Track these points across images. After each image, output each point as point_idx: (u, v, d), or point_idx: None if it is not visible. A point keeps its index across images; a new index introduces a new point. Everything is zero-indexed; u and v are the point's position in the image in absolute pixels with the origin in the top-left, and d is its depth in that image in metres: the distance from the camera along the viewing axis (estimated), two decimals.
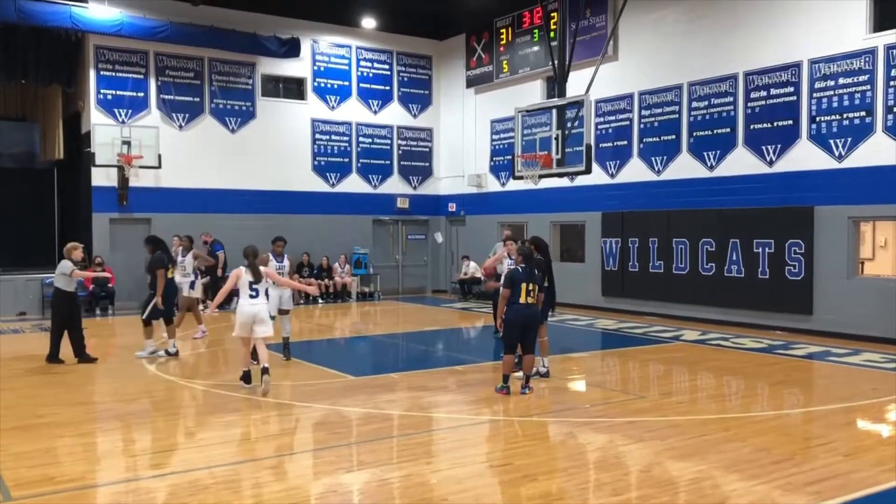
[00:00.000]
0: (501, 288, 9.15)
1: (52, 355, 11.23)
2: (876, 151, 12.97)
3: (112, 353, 13.24)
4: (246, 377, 9.31)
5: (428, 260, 23.71)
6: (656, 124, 16.83)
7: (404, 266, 23.18)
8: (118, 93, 18.84)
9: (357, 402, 8.72)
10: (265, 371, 8.94)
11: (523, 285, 8.87)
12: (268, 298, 9.48)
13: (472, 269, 20.55)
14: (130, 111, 18.92)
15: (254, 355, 9.42)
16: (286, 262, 11.54)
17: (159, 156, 18.69)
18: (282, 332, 11.23)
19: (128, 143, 18.25)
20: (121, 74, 18.87)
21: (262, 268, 9.41)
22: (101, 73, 18.64)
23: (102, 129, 18.24)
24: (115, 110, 18.77)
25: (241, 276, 9.19)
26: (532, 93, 19.66)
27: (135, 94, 19.03)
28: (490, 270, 12.87)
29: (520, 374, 9.26)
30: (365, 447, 7.01)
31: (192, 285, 13.53)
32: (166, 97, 19.39)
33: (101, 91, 18.67)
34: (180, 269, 13.22)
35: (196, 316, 13.77)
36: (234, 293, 9.85)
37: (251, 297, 9.14)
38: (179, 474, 6.17)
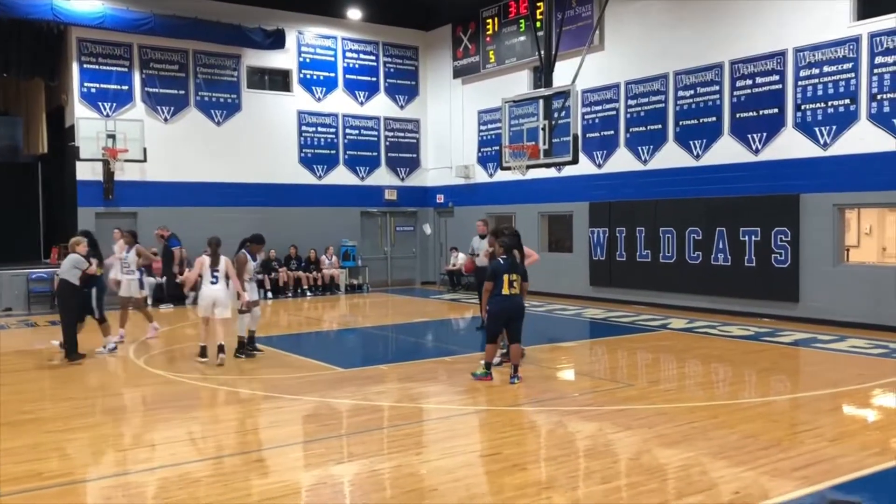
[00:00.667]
0: (485, 281, 9.23)
1: (72, 351, 10.78)
2: (860, 139, 13.05)
3: (99, 347, 13.17)
4: (202, 352, 10.59)
5: (416, 252, 23.70)
6: (643, 114, 16.86)
7: (393, 258, 23.17)
8: (102, 86, 18.69)
9: (346, 394, 8.72)
10: (220, 349, 10.30)
11: (505, 277, 8.98)
12: (228, 286, 10.59)
13: (460, 260, 20.53)
14: (115, 104, 18.78)
15: (244, 346, 10.78)
16: (257, 259, 11.50)
17: (144, 149, 18.58)
18: (238, 331, 11.00)
19: (112, 137, 18.12)
20: (104, 67, 18.72)
21: (223, 259, 10.62)
22: (85, 66, 18.48)
23: (86, 123, 18.10)
24: (99, 104, 18.63)
25: (203, 263, 10.66)
26: (519, 83, 19.65)
27: (119, 87, 18.88)
28: (470, 267, 12.93)
29: (497, 359, 9.64)
30: (355, 438, 7.01)
31: (140, 284, 12.69)
32: (151, 90, 19.25)
33: (85, 84, 18.52)
34: (123, 266, 12.53)
35: (145, 314, 13.09)
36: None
37: (211, 282, 10.55)
38: (169, 468, 6.15)
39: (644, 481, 5.62)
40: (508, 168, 14.49)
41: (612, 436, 6.88)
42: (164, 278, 17.74)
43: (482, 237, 12.62)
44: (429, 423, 7.67)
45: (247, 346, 11.00)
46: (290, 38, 20.92)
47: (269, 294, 19.41)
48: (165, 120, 19.43)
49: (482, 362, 9.37)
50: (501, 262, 9.08)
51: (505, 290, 8.97)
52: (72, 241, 11.04)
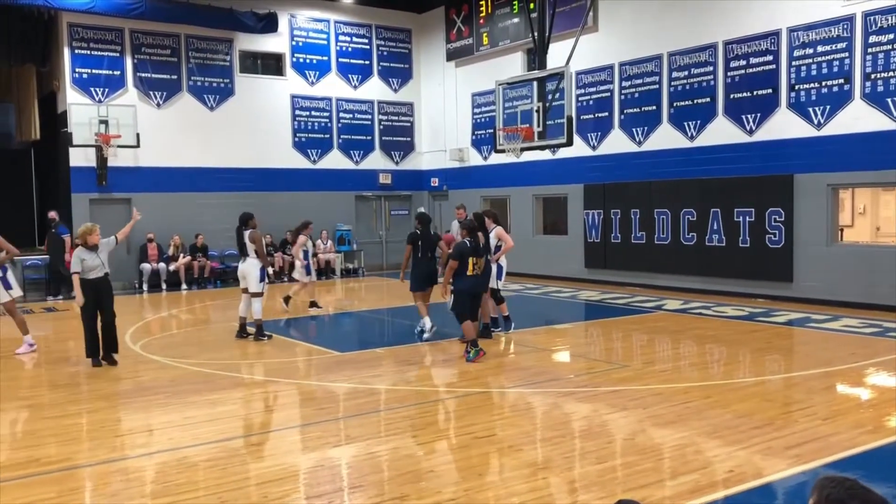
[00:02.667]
0: (449, 260, 9.71)
1: (92, 351, 9.65)
2: (854, 119, 13.05)
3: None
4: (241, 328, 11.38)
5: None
6: (637, 95, 16.83)
7: (388, 242, 23.15)
8: (94, 71, 18.58)
9: (343, 378, 8.76)
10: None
11: (470, 259, 9.45)
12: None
13: None
14: (107, 90, 18.68)
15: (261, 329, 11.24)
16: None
17: (137, 135, 18.49)
18: (255, 314, 11.27)
19: (105, 123, 18.04)
20: (96, 52, 18.59)
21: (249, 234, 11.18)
22: (76, 51, 18.36)
23: (79, 109, 18.00)
24: (92, 89, 18.52)
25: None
26: (513, 65, 19.58)
27: (111, 72, 18.77)
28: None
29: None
30: (352, 421, 7.05)
31: (5, 283, 10.67)
32: (143, 75, 19.14)
33: (77, 70, 18.40)
34: None
35: (18, 323, 10.83)
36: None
37: (242, 255, 11.32)
38: (167, 452, 6.19)
39: (639, 461, 5.66)
40: (503, 151, 14.45)
41: (607, 416, 6.93)
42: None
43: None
44: (425, 405, 7.71)
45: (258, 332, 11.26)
46: (283, 22, 20.79)
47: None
48: (158, 105, 19.34)
49: (468, 343, 9.57)
50: (468, 243, 9.55)
51: (470, 271, 9.51)
52: (81, 231, 9.70)
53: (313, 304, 14.42)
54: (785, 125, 14.09)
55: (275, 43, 20.87)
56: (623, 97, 17.15)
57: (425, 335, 10.99)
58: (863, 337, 10.65)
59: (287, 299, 14.17)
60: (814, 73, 13.62)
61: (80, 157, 18.36)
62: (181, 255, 18.86)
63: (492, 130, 16.54)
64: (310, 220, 14.99)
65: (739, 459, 5.65)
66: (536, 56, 14.25)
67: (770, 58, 14.26)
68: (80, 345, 11.64)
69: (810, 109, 13.70)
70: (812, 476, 5.33)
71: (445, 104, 22.29)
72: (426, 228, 11.28)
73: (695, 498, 4.92)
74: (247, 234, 11.15)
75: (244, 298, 11.31)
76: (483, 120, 20.87)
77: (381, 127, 22.78)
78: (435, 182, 22.94)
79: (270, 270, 13.46)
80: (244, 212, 11.62)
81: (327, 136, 21.84)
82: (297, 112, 21.33)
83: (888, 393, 7.85)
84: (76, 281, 9.53)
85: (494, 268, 10.93)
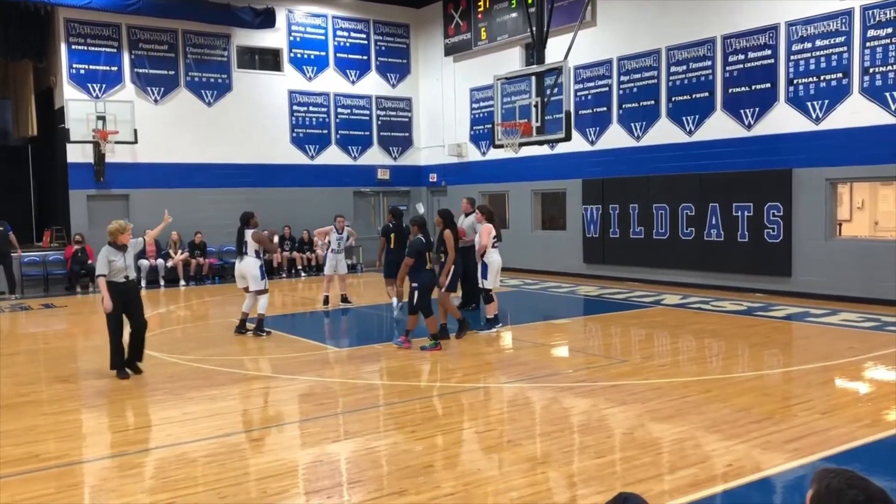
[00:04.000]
0: (407, 257, 9.96)
1: (117, 362, 8.78)
2: (853, 113, 13.04)
3: (95, 330, 13.19)
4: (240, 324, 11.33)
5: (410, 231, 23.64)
6: (635, 90, 16.81)
7: None
8: (91, 67, 18.54)
9: (341, 374, 8.77)
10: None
11: (428, 254, 9.80)
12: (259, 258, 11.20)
13: None
14: (104, 86, 18.64)
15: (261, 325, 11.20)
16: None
17: (135, 131, 18.47)
18: (259, 309, 11.22)
19: (102, 119, 18.01)
20: (93, 48, 18.56)
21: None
22: (73, 47, 18.32)
23: (76, 105, 17.97)
24: (89, 85, 18.48)
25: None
26: (511, 60, 19.56)
27: (108, 68, 18.73)
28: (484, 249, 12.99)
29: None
30: (351, 417, 7.05)
31: None
32: (140, 71, 19.11)
33: (74, 66, 18.36)
34: None
35: None
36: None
37: (240, 255, 11.20)
38: (166, 448, 6.19)
39: (638, 455, 5.67)
40: (501, 146, 14.44)
41: (605, 411, 6.93)
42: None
43: (467, 215, 12.88)
44: (423, 400, 7.71)
45: (259, 327, 11.19)
46: (280, 17, 20.76)
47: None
48: (156, 101, 19.31)
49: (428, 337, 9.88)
50: (423, 240, 9.81)
51: (428, 266, 9.85)
52: (113, 228, 8.76)
53: (344, 299, 14.47)
54: (783, 120, 14.08)
55: (272, 38, 20.84)
56: (621, 92, 17.13)
57: (395, 313, 12.68)
58: (861, 331, 10.66)
59: (326, 300, 14.29)
60: (812, 67, 13.61)
61: (77, 154, 18.33)
62: (179, 251, 18.85)
63: (490, 125, 16.51)
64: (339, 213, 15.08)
65: (738, 453, 5.65)
66: (535, 51, 14.24)
67: (768, 52, 14.24)
68: (77, 342, 11.70)
69: (809, 104, 13.69)
70: (811, 470, 5.33)
71: (444, 99, 22.27)
72: (399, 222, 12.60)
73: (694, 492, 4.92)
74: (248, 233, 11.08)
75: (248, 297, 11.27)
76: (481, 115, 20.85)
77: (380, 122, 22.75)
78: (433, 177, 22.92)
79: (278, 255, 13.37)
80: (245, 211, 11.58)
81: (325, 131, 21.82)
82: (295, 107, 21.30)
83: (886, 387, 7.86)
84: (103, 285, 8.54)
85: (479, 266, 11.20)
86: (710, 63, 15.27)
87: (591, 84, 17.82)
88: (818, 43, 13.50)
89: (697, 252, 15.49)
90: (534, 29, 14.13)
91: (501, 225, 15.19)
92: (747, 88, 14.65)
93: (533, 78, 13.83)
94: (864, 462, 5.49)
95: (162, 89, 19.38)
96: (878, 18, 12.66)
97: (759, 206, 14.37)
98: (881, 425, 6.37)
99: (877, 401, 7.23)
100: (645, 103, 16.61)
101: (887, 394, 7.49)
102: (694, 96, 15.61)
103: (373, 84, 22.59)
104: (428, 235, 10.15)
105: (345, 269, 14.42)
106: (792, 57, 13.91)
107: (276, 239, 14.42)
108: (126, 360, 8.76)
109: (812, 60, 13.61)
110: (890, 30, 12.51)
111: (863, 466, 5.28)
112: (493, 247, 11.14)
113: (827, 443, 5.84)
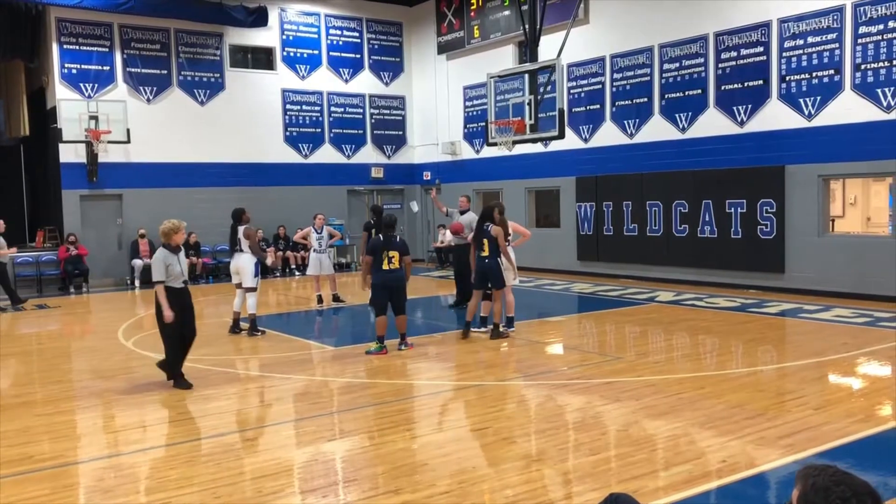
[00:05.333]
0: (363, 255, 10.01)
1: (175, 373, 8.16)
2: (845, 109, 13.09)
3: (89, 330, 13.17)
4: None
5: (404, 229, 23.62)
6: (628, 87, 16.83)
7: None
8: (83, 67, 18.48)
9: (337, 372, 8.77)
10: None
11: (384, 253, 9.50)
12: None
13: (448, 237, 20.53)
14: (96, 85, 18.59)
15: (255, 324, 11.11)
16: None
17: (128, 130, 18.42)
18: (249, 308, 11.20)
19: (95, 118, 17.95)
20: (85, 48, 18.49)
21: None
22: (65, 46, 18.25)
23: (68, 105, 17.91)
24: (81, 85, 18.42)
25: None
26: (504, 58, 19.56)
27: (100, 67, 18.67)
28: (457, 227, 12.94)
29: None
30: (346, 416, 7.05)
31: None
32: (133, 70, 19.05)
33: (66, 65, 18.30)
34: None
35: None
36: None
37: (234, 251, 11.26)
38: (160, 448, 6.18)
39: (632, 452, 5.68)
40: (495, 144, 14.45)
41: (600, 408, 6.94)
42: None
43: (463, 213, 12.92)
44: (419, 398, 7.72)
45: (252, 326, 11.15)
46: (273, 16, 20.72)
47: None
48: (148, 100, 19.25)
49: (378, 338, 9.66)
50: (380, 239, 9.64)
51: (385, 266, 9.54)
52: (168, 228, 8.10)
53: (336, 298, 14.41)
54: (776, 116, 14.12)
55: (265, 37, 20.80)
56: (614, 89, 17.15)
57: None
58: (854, 327, 10.71)
59: (320, 299, 14.25)
60: (804, 64, 13.65)
61: (70, 154, 18.27)
62: None
63: (484, 123, 16.52)
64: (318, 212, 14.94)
65: (732, 449, 5.67)
66: (528, 49, 14.24)
67: (761, 49, 14.28)
68: (71, 342, 11.65)
69: (801, 100, 13.73)
70: (804, 465, 5.35)
71: (437, 97, 22.26)
72: (380, 218, 12.23)
73: (688, 488, 4.93)
74: (241, 229, 11.11)
75: (238, 294, 11.29)
76: (475, 113, 20.85)
77: (373, 121, 22.73)
78: (427, 176, 22.91)
79: (269, 260, 13.17)
80: (236, 208, 11.60)
81: (319, 130, 21.79)
82: (288, 106, 21.26)
83: (879, 382, 7.90)
84: (162, 293, 7.86)
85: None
86: (702, 60, 15.30)
87: (585, 82, 17.83)
88: (810, 40, 13.53)
89: (691, 249, 15.53)
90: (527, 27, 14.13)
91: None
92: (740, 85, 14.69)
93: (526, 76, 13.84)
94: (857, 457, 5.51)
95: (154, 89, 19.33)
96: (869, 15, 12.70)
97: (753, 202, 14.41)
98: (874, 420, 6.39)
99: (870, 396, 7.26)
100: (638, 101, 16.63)
101: (880, 389, 7.53)
102: (687, 93, 15.64)
103: (366, 82, 22.56)
104: (390, 235, 9.67)
105: (330, 268, 14.29)
106: (784, 54, 13.94)
107: (261, 234, 14.33)
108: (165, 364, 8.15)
109: (804, 57, 13.64)
110: (881, 26, 12.55)
111: (855, 461, 5.31)
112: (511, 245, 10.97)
113: (820, 438, 5.86)
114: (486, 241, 10.30)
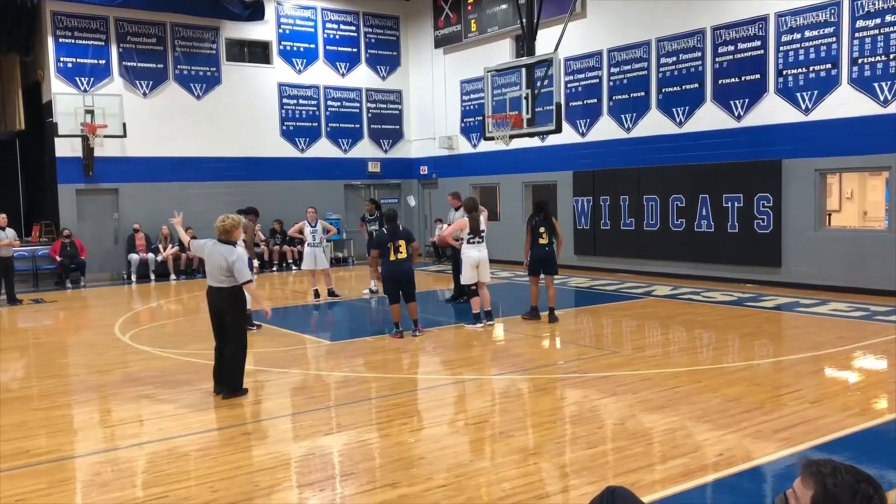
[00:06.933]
0: (371, 249, 10.51)
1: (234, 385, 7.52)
2: (842, 104, 13.09)
3: (85, 324, 13.15)
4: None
5: (401, 224, 23.60)
6: (625, 81, 16.82)
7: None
8: (78, 60, 18.41)
9: (334, 367, 8.76)
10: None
11: (390, 244, 9.98)
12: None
13: (445, 231, 20.51)
14: (92, 79, 18.52)
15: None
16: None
17: (124, 124, 18.37)
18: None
19: (91, 112, 17.90)
20: (80, 41, 18.42)
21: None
22: (60, 40, 18.18)
23: (64, 99, 17.85)
24: (77, 79, 18.36)
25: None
26: (501, 52, 19.52)
27: (96, 61, 18.61)
28: (444, 240, 13.03)
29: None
30: (343, 410, 7.05)
31: None
32: (129, 64, 18.99)
33: (61, 59, 18.23)
34: None
35: None
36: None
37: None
38: (157, 443, 6.17)
39: (629, 446, 5.69)
40: (492, 138, 14.42)
41: (597, 402, 6.95)
42: None
43: (456, 209, 12.94)
44: (416, 392, 7.72)
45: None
46: (269, 10, 20.65)
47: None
48: (144, 94, 19.20)
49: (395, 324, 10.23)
50: (385, 232, 10.17)
51: (392, 256, 10.07)
52: (227, 224, 7.52)
53: (331, 293, 14.38)
54: (773, 110, 14.12)
55: (261, 31, 20.73)
56: (612, 83, 17.14)
57: (366, 293, 14.37)
58: (851, 321, 10.72)
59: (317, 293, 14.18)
60: (801, 58, 13.64)
61: (66, 148, 18.21)
62: (170, 245, 18.78)
63: (481, 118, 16.51)
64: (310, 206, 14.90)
65: (729, 443, 5.68)
66: (525, 43, 14.21)
67: (758, 43, 14.27)
68: (67, 336, 11.63)
69: (798, 95, 13.73)
70: (800, 458, 5.36)
71: (434, 92, 22.22)
72: (381, 213, 13.12)
73: (685, 481, 4.95)
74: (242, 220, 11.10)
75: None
76: (472, 107, 20.82)
77: (370, 115, 22.69)
78: (424, 170, 22.89)
79: (256, 263, 12.97)
80: (250, 206, 11.80)
81: (315, 124, 21.75)
82: (285, 100, 21.22)
83: (875, 376, 7.92)
84: (256, 291, 7.58)
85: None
86: (699, 54, 15.28)
87: (582, 76, 17.81)
88: (807, 34, 13.52)
89: (688, 243, 15.54)
90: (524, 21, 14.10)
91: (492, 217, 15.23)
92: (737, 79, 14.68)
93: (523, 70, 13.80)
94: (854, 450, 5.52)
95: (150, 83, 19.27)
96: (866, 9, 12.69)
97: (749, 196, 14.42)
98: (870, 414, 6.41)
99: (866, 390, 7.28)
100: (635, 95, 16.62)
101: (876, 383, 7.55)
102: (684, 87, 15.63)
103: (363, 76, 22.52)
104: (395, 226, 10.32)
105: (325, 262, 14.16)
106: (781, 48, 13.94)
107: (259, 229, 14.45)
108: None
109: (801, 51, 13.64)
110: (878, 20, 12.55)
111: (852, 455, 5.32)
112: (469, 243, 11.06)
113: (817, 432, 5.87)
114: (543, 229, 10.95)
